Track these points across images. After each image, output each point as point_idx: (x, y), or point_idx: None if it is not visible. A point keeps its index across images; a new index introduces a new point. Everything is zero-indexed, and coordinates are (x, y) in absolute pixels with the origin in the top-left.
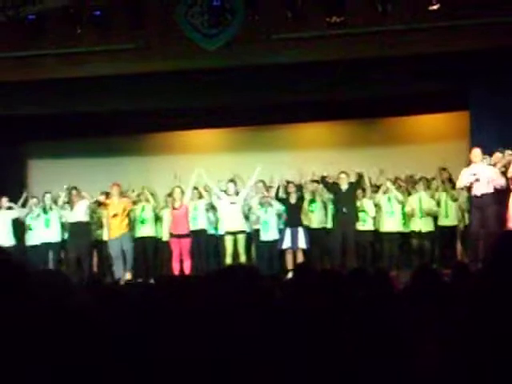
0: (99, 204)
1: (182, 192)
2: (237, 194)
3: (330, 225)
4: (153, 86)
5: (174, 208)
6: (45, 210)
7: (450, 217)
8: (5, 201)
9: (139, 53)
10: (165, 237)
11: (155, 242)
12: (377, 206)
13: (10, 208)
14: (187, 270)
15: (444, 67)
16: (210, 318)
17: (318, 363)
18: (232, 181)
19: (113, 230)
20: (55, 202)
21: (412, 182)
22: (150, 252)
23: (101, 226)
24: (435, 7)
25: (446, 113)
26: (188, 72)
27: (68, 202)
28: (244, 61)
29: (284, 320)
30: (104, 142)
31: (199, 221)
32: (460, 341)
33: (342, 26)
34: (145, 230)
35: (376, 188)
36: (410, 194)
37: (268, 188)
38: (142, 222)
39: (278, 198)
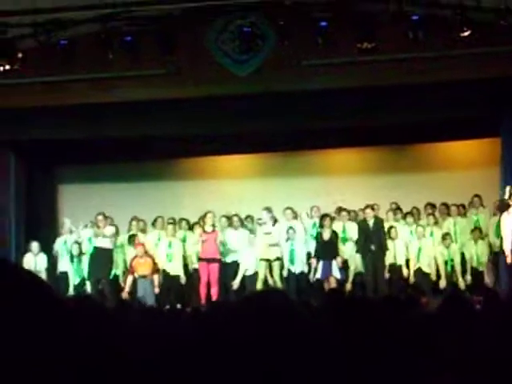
0: (130, 241)
1: (214, 216)
2: (272, 221)
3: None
4: (183, 111)
5: (204, 231)
6: (73, 260)
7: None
8: (36, 246)
9: (170, 78)
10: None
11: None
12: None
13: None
14: (214, 296)
15: (475, 94)
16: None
17: None
18: (267, 209)
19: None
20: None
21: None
22: (174, 288)
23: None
24: (466, 34)
25: (477, 139)
26: (218, 98)
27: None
28: (274, 87)
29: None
30: (134, 167)
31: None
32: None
33: (372, 52)
34: (171, 268)
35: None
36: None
37: (295, 215)
38: (169, 260)
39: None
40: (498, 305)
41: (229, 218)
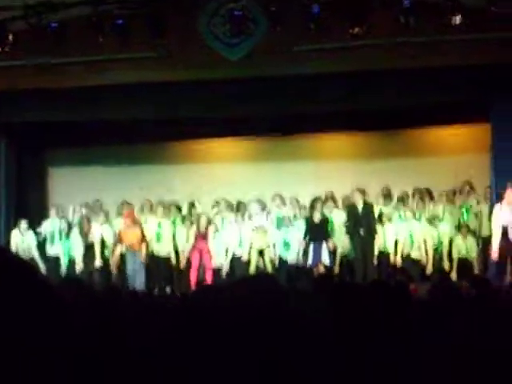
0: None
1: (209, 222)
2: (263, 212)
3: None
4: (174, 94)
5: (199, 233)
6: (62, 237)
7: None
8: (24, 224)
9: (160, 61)
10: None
11: (169, 259)
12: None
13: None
14: (208, 281)
15: (466, 79)
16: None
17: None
18: (258, 201)
19: (130, 247)
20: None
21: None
22: (163, 270)
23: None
24: (457, 20)
25: (467, 125)
26: (209, 81)
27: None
28: (266, 71)
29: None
30: (125, 150)
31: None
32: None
33: (363, 37)
34: (160, 249)
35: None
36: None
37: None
38: (158, 239)
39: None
40: (489, 292)
41: (217, 204)
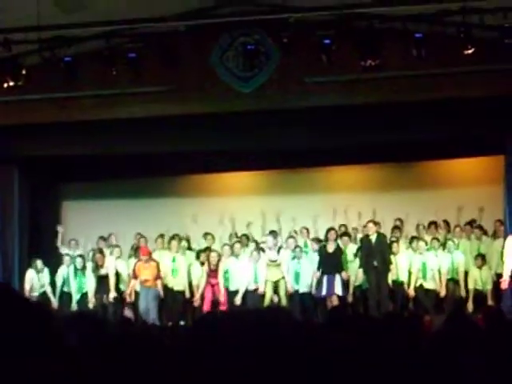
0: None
1: (219, 255)
2: (276, 247)
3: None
4: (187, 128)
5: (210, 269)
6: (77, 274)
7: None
8: (40, 263)
9: (174, 95)
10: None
11: (183, 294)
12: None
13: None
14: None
15: (479, 111)
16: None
17: None
18: (272, 233)
19: (144, 283)
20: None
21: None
22: (177, 304)
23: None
24: (470, 51)
25: (481, 157)
26: (222, 115)
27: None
28: (278, 104)
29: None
30: (138, 184)
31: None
32: None
33: (376, 69)
34: (175, 283)
35: (411, 240)
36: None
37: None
38: (174, 274)
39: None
40: (501, 323)
41: (231, 246)
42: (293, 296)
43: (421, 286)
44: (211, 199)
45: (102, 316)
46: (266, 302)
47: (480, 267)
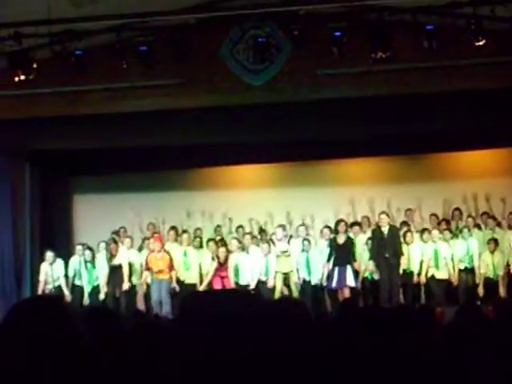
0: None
1: (227, 251)
2: (287, 238)
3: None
4: (198, 120)
5: (219, 263)
6: (87, 267)
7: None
8: (50, 256)
9: (184, 88)
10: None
11: (195, 286)
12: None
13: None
14: None
15: (490, 103)
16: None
17: None
18: (281, 226)
19: (157, 275)
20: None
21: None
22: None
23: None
24: (481, 43)
25: (493, 149)
26: (233, 107)
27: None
28: (289, 96)
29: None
30: (149, 178)
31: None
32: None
33: (387, 61)
34: (187, 276)
35: (422, 231)
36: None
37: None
38: (186, 267)
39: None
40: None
41: (240, 241)
42: (304, 288)
43: (432, 276)
44: (221, 192)
45: (115, 309)
46: (277, 294)
47: (492, 252)
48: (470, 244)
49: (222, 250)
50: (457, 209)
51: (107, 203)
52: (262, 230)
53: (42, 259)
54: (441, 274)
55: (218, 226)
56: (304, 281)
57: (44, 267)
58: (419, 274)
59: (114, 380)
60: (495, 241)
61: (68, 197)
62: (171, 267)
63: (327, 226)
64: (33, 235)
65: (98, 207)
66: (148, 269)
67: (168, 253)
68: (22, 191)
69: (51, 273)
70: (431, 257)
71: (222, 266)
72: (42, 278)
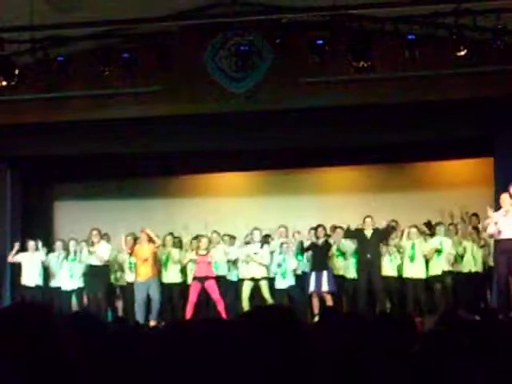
0: (130, 249)
1: (210, 241)
2: (261, 243)
3: (352, 272)
4: (179, 128)
5: (198, 254)
6: (69, 258)
7: (478, 263)
8: (32, 244)
9: (166, 95)
10: (190, 280)
11: (181, 287)
12: (400, 252)
13: (37, 249)
14: (223, 313)
15: (470, 113)
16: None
17: None
18: (257, 229)
19: (141, 275)
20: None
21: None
22: (175, 298)
23: (121, 270)
24: (462, 53)
25: (471, 158)
26: (215, 115)
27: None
28: (270, 104)
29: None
30: (130, 184)
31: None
32: None
33: (368, 70)
34: (170, 276)
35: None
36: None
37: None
38: (166, 268)
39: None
40: (496, 324)
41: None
42: (280, 293)
43: (410, 278)
44: (203, 199)
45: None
46: (246, 302)
47: (478, 243)
48: (443, 241)
49: (205, 240)
50: (438, 223)
51: (88, 210)
52: (232, 237)
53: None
54: (417, 272)
55: (199, 235)
56: (278, 289)
57: (23, 255)
58: (400, 277)
59: None
60: (477, 230)
61: (49, 203)
62: (155, 256)
63: (313, 228)
64: (13, 241)
65: (79, 213)
66: (131, 254)
67: (154, 243)
68: (3, 197)
69: (31, 259)
70: (409, 253)
71: (202, 256)
72: (19, 259)
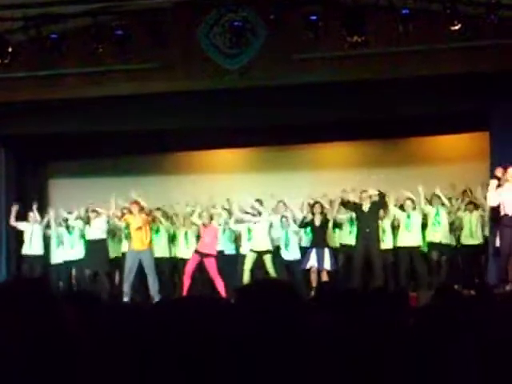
0: (121, 216)
1: (210, 208)
2: (260, 213)
3: (348, 240)
4: (174, 105)
5: (204, 225)
6: (69, 231)
7: (475, 236)
8: (32, 215)
9: (160, 72)
10: (180, 255)
11: (169, 262)
12: (396, 222)
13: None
14: (222, 291)
15: (465, 88)
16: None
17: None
18: (258, 200)
19: (135, 243)
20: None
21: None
22: (164, 273)
23: (120, 241)
24: (456, 27)
25: (466, 133)
26: (209, 91)
27: (82, 219)
28: (265, 80)
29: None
30: (125, 162)
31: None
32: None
33: (363, 46)
34: (158, 251)
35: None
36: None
37: (287, 208)
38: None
39: (303, 222)
40: (491, 299)
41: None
42: (282, 266)
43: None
44: (197, 176)
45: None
46: (246, 274)
47: (471, 211)
48: (439, 209)
49: (206, 212)
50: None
51: (83, 187)
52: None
53: (18, 242)
54: (413, 240)
55: (193, 211)
56: (282, 259)
57: (23, 225)
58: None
59: (100, 366)
60: (473, 204)
61: (43, 181)
62: (148, 225)
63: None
64: (8, 220)
65: (74, 191)
66: (124, 218)
67: (147, 214)
68: None
69: (31, 230)
70: (404, 223)
71: (207, 226)
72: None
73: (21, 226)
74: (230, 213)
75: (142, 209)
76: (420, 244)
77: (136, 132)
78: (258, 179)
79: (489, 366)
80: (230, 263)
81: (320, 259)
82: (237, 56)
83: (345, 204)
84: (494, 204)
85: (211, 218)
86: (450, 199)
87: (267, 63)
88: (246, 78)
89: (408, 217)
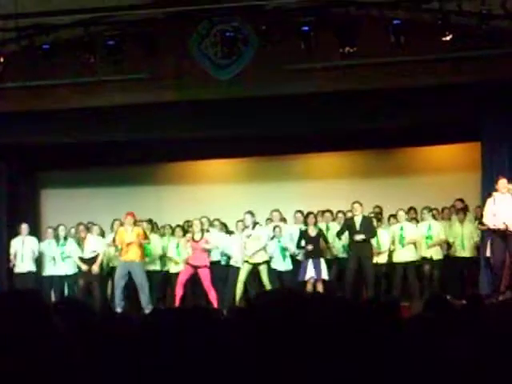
0: (113, 241)
1: (202, 224)
2: (253, 225)
3: (340, 253)
4: (166, 115)
5: (193, 240)
6: (59, 243)
7: (466, 248)
8: (25, 228)
9: (152, 82)
10: (172, 268)
11: (161, 275)
12: (392, 237)
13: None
14: (214, 302)
15: (457, 98)
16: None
17: None
18: (249, 212)
19: (126, 254)
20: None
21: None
22: (156, 286)
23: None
24: (448, 38)
25: (458, 144)
26: (201, 102)
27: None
28: (256, 91)
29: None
30: (117, 172)
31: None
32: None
33: (354, 56)
34: (149, 263)
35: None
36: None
37: (282, 218)
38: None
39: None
40: (482, 309)
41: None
42: (275, 277)
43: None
44: (189, 187)
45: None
46: (240, 285)
47: (461, 221)
48: (432, 225)
49: (197, 222)
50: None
51: (75, 198)
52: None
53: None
54: (407, 255)
55: (187, 221)
56: (275, 270)
57: (15, 243)
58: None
59: (92, 375)
60: (464, 211)
61: (35, 191)
62: (144, 237)
63: (299, 211)
64: (0, 232)
65: (66, 202)
66: (114, 242)
67: (141, 228)
68: None
69: (22, 245)
70: (398, 236)
71: (196, 241)
72: (12, 251)
73: (13, 244)
74: (208, 231)
75: (135, 222)
76: (414, 259)
77: (128, 142)
78: (250, 189)
79: (480, 375)
80: (222, 274)
81: (317, 269)
82: (228, 66)
83: (345, 221)
84: (490, 225)
85: (202, 232)
86: (442, 210)
87: (259, 74)
88: (237, 88)
89: (401, 229)
